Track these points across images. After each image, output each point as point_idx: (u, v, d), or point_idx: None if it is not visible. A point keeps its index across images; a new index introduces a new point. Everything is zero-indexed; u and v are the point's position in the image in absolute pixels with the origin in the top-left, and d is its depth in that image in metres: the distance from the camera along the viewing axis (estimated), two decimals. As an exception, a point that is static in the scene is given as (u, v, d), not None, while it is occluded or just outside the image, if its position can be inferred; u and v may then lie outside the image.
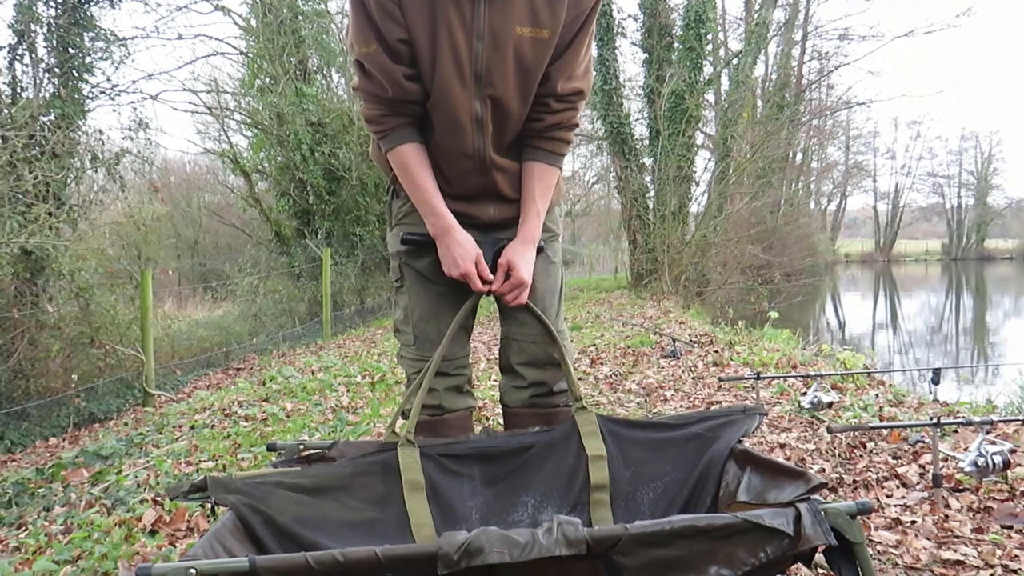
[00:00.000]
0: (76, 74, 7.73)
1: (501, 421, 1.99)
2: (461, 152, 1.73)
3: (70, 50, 7.66)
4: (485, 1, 1.59)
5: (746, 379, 3.90)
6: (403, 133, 1.71)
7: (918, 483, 2.42)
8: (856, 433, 2.97)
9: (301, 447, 1.66)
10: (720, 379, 4.23)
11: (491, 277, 1.72)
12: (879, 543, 1.98)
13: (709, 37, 14.47)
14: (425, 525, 1.58)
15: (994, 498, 2.23)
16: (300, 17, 12.74)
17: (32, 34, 7.51)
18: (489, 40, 1.62)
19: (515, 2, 1.60)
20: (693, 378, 4.81)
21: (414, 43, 1.62)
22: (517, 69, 1.65)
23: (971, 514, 2.14)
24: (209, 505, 1.41)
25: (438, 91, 1.66)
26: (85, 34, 7.81)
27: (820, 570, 1.73)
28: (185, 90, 12.82)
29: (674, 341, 6.00)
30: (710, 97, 16.62)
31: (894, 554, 1.91)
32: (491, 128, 1.71)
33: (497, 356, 1.96)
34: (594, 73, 1.90)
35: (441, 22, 1.59)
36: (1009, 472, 2.29)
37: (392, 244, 1.89)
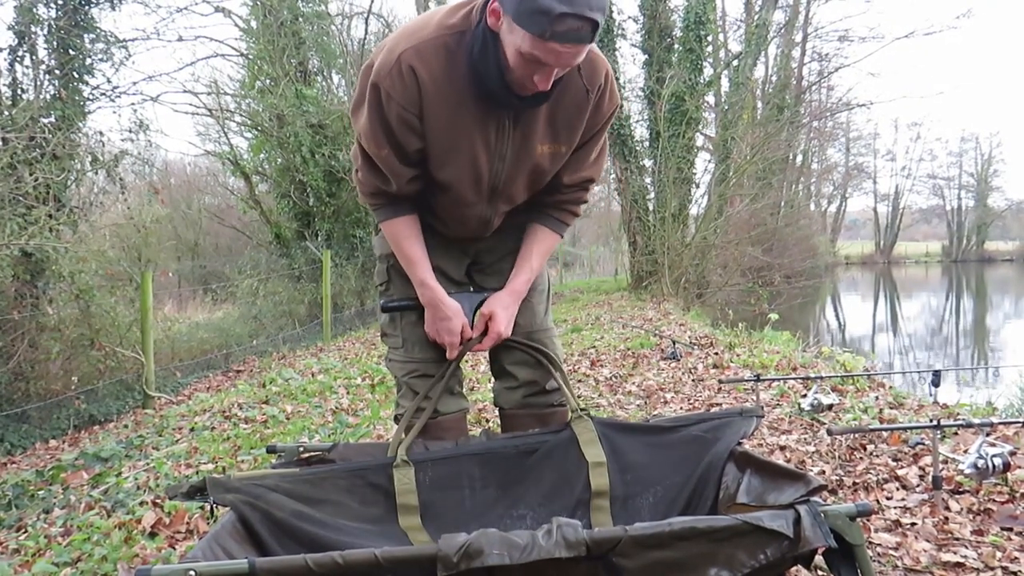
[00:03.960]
0: (76, 76, 7.73)
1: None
2: (462, 235, 1.83)
3: (70, 52, 7.66)
4: (512, 125, 1.58)
5: (746, 381, 3.90)
6: (397, 209, 1.73)
7: (918, 485, 2.42)
8: (856, 435, 2.97)
9: (301, 449, 1.66)
10: (720, 381, 4.23)
11: (470, 335, 1.78)
12: (879, 545, 1.98)
13: (709, 39, 14.50)
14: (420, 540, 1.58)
15: (994, 500, 2.23)
16: (300, 19, 12.74)
17: (32, 36, 7.52)
18: (511, 160, 1.64)
19: (539, 122, 1.60)
20: (693, 380, 4.81)
21: (429, 152, 1.61)
22: (531, 179, 1.70)
23: (971, 516, 2.14)
24: (209, 507, 1.41)
25: (451, 199, 1.70)
26: (85, 36, 7.81)
27: (820, 572, 1.73)
28: (185, 92, 12.76)
29: (674, 343, 6.00)
30: (710, 99, 16.63)
31: (894, 556, 1.91)
32: (495, 222, 1.80)
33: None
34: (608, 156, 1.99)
35: (463, 139, 1.58)
36: (1009, 474, 2.29)
37: (379, 247, 1.89)
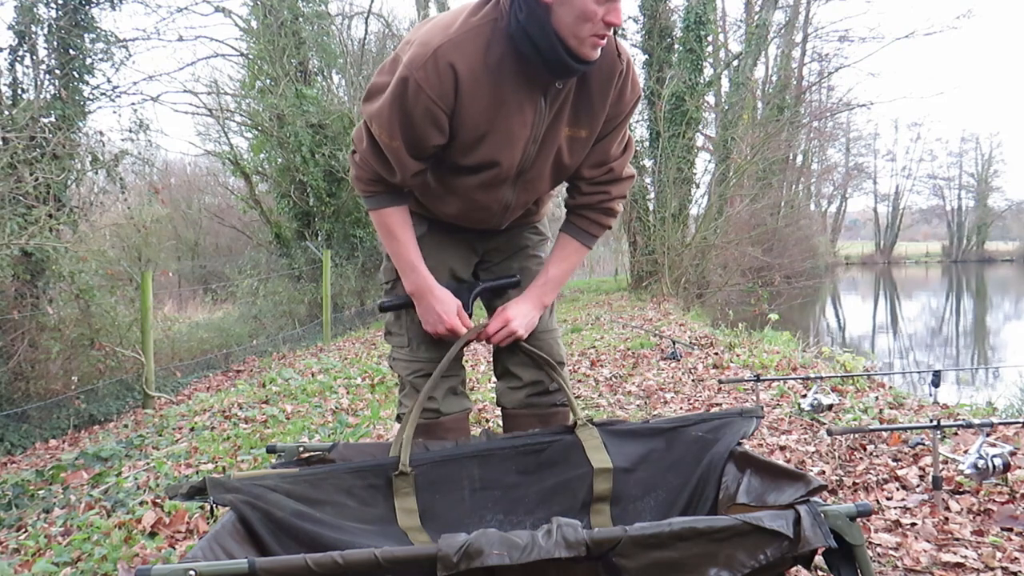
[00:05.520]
0: (77, 75, 7.74)
1: (500, 423, 1.99)
2: (477, 225, 1.81)
3: (71, 51, 7.67)
4: (547, 108, 1.58)
5: (746, 381, 3.89)
6: (389, 198, 1.72)
7: (918, 485, 2.42)
8: (856, 435, 2.97)
9: (301, 449, 1.66)
10: (720, 381, 4.22)
11: (470, 324, 1.76)
12: (879, 545, 1.98)
13: (709, 39, 14.48)
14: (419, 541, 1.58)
15: (994, 500, 2.23)
16: (300, 19, 12.75)
17: (33, 35, 7.52)
18: (541, 143, 1.64)
19: (568, 104, 1.61)
20: (693, 380, 4.81)
21: (462, 139, 1.59)
22: (554, 165, 1.70)
23: (971, 516, 2.14)
24: (209, 507, 1.41)
25: (479, 181, 1.67)
26: (86, 35, 7.81)
27: (820, 572, 1.73)
28: (186, 92, 12.83)
29: (674, 343, 6.00)
30: (710, 99, 16.60)
31: (894, 556, 1.91)
32: (515, 211, 1.79)
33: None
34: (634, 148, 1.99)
35: (501, 122, 1.57)
36: (1009, 474, 2.29)
37: None
